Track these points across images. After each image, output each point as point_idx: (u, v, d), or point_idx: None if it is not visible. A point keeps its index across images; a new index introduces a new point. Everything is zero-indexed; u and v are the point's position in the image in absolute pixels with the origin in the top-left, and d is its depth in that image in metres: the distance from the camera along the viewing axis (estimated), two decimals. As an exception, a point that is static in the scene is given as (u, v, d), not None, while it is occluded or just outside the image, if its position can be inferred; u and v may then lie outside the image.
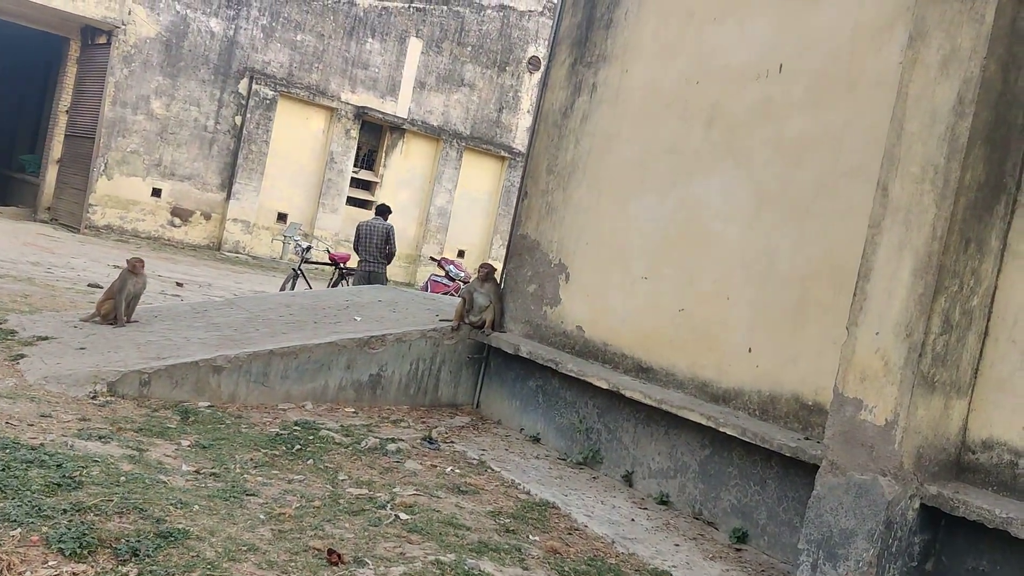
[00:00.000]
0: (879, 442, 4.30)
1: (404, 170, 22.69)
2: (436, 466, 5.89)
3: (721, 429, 5.37)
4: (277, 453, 5.52)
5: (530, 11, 23.75)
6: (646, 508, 5.78)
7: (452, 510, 5.02)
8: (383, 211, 12.62)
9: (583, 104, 7.27)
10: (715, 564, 4.95)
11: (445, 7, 22.64)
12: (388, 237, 12.01)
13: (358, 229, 12.24)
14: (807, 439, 5.05)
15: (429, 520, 4.74)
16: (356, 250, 12.17)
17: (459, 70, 23.13)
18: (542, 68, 6.78)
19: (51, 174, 19.37)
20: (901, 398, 4.25)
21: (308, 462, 5.45)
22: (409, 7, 22.16)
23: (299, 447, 5.71)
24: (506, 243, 7.98)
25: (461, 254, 22.63)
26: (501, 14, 23.50)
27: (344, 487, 5.10)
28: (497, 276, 7.84)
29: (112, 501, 4.10)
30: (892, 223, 4.43)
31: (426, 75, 22.66)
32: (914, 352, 4.24)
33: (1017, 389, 4.27)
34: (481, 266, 7.89)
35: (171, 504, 4.22)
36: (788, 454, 4.96)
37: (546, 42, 21.39)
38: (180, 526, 3.99)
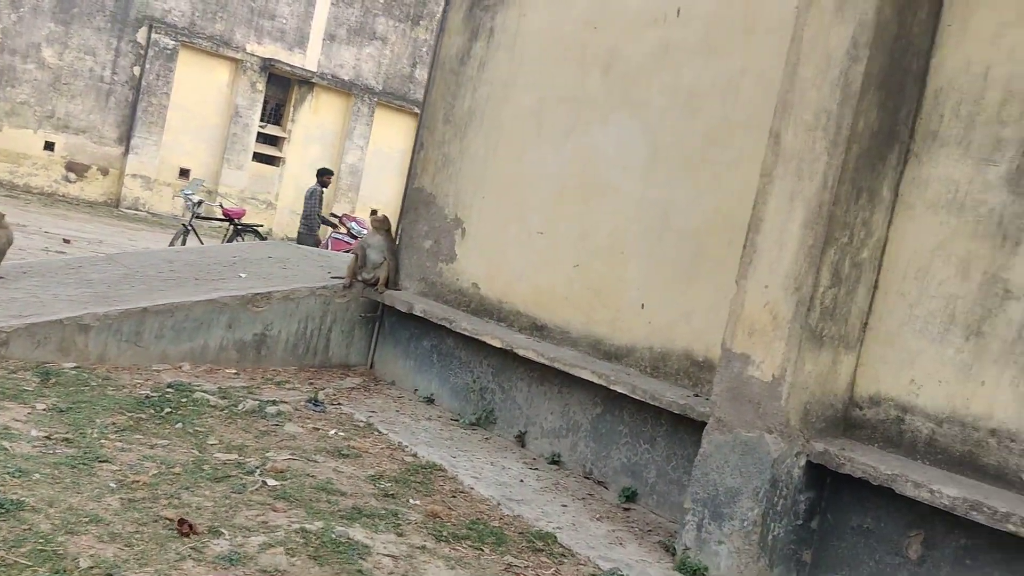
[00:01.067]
0: (766, 398, 4.16)
1: (314, 126, 21.99)
2: (319, 429, 5.59)
3: (612, 387, 5.20)
4: (143, 417, 5.14)
5: (445, -36, 23.12)
6: (537, 469, 5.59)
7: (329, 475, 4.74)
8: (317, 174, 12.99)
9: (480, 50, 6.94)
10: (601, 524, 4.79)
11: (357, -43, 21.88)
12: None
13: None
14: (697, 396, 4.91)
15: (300, 486, 4.45)
16: None
17: (371, 23, 22.44)
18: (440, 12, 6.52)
19: (-68, 124, 18.19)
20: (789, 353, 4.11)
21: (176, 426, 5.09)
22: (319, -44, 21.33)
23: (169, 410, 5.34)
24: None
25: (374, 213, 22.06)
26: (415, -34, 22.83)
27: (212, 452, 4.77)
28: (392, 230, 7.51)
29: (-62, 471, 3.71)
30: (784, 172, 4.26)
31: (336, 27, 21.92)
32: (803, 306, 4.10)
33: (906, 343, 4.18)
34: (372, 214, 7.54)
35: (8, 473, 3.85)
36: (677, 411, 4.81)
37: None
38: (15, 496, 3.63)
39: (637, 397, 5.05)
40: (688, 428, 4.87)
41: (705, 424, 4.49)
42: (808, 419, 4.20)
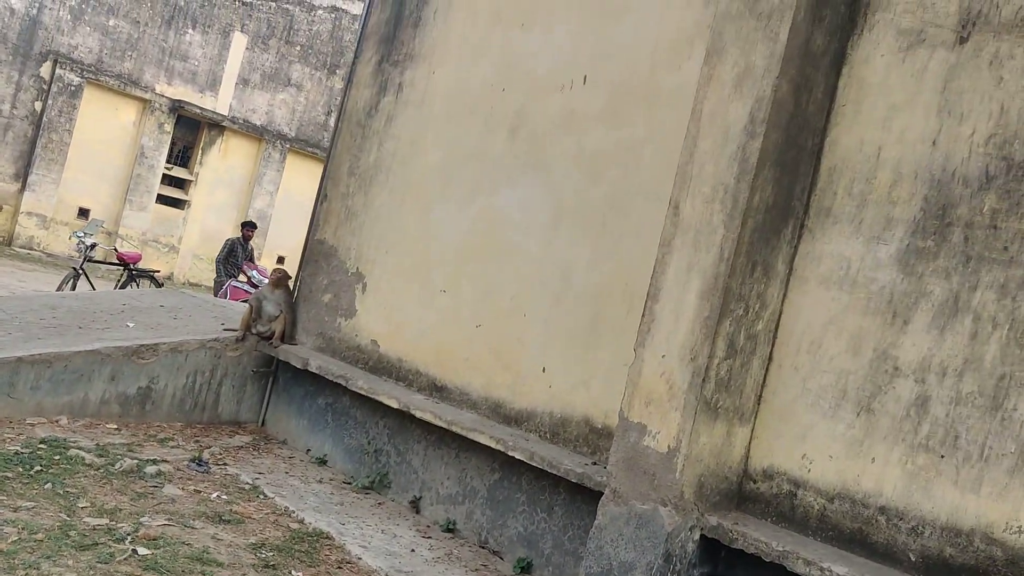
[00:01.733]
0: (661, 470, 4.11)
1: (223, 169, 21.54)
2: (200, 491, 5.30)
3: (510, 453, 5.08)
4: (10, 476, 4.79)
5: (363, 15, 23.16)
6: (430, 537, 5.41)
7: (206, 543, 4.47)
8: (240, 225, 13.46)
9: (388, 104, 6.87)
10: (494, 599, 4.64)
11: (274, 3, 21.75)
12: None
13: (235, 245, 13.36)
14: (595, 464, 4.83)
15: (174, 556, 4.19)
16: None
17: (286, 69, 22.24)
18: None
19: None
20: (684, 424, 4.08)
21: (46, 486, 4.76)
22: (235, 0, 21.12)
23: (39, 468, 5.00)
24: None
25: (281, 260, 21.64)
26: (333, 16, 22.81)
27: (82, 516, 4.46)
28: (291, 284, 7.30)
29: None
30: (682, 243, 4.27)
31: (251, 72, 21.65)
32: (698, 376, 4.08)
33: (798, 417, 4.19)
34: (274, 271, 7.33)
35: None
36: (575, 480, 4.71)
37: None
38: None
39: (535, 464, 4.94)
40: (586, 497, 4.77)
41: (602, 494, 4.40)
42: (703, 492, 4.15)
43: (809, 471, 4.10)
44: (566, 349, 5.27)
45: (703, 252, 4.16)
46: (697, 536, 4.12)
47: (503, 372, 5.61)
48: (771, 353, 4.34)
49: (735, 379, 4.21)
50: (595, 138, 5.37)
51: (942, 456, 3.70)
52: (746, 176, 4.09)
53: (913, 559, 3.72)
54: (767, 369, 4.33)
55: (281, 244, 22.06)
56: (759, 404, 4.34)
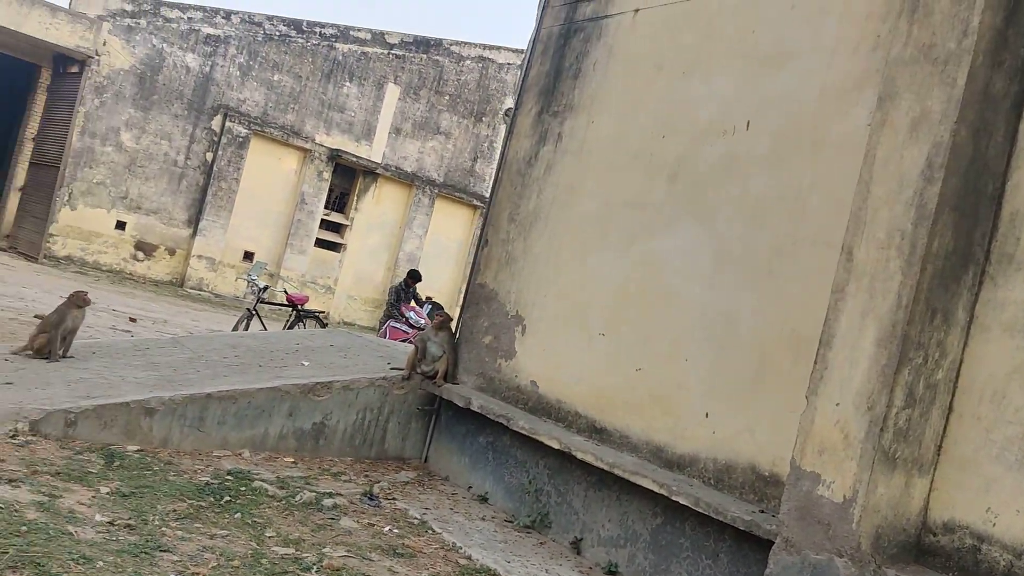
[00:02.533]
0: (836, 520, 4.05)
1: (375, 214, 22.50)
2: (374, 525, 5.56)
3: (674, 498, 5.10)
4: (203, 505, 5.17)
5: (509, 63, 23.85)
6: (593, 578, 5.47)
7: (383, 575, 4.69)
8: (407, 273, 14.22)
9: (548, 153, 7.10)
10: (661, 643, 4.65)
11: (424, 55, 22.68)
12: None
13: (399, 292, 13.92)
14: (763, 512, 4.79)
15: (356, 586, 4.42)
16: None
17: (435, 118, 23.10)
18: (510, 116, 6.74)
19: (12, 202, 18.99)
20: (861, 474, 4.02)
21: (235, 516, 5.11)
22: (388, 54, 22.16)
23: (228, 499, 5.36)
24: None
25: (428, 300, 22.30)
26: (480, 65, 23.57)
27: (270, 545, 4.76)
28: (453, 326, 7.58)
29: (7, 553, 3.76)
30: (856, 289, 4.24)
31: (402, 121, 22.60)
32: (875, 426, 4.02)
33: (981, 469, 4.06)
34: (437, 314, 7.63)
35: (73, 559, 3.88)
36: (742, 527, 4.69)
37: (524, 94, 21.41)
38: (78, 585, 3.65)
39: (700, 510, 4.94)
40: (753, 545, 4.74)
41: (771, 542, 4.37)
42: (880, 544, 4.07)
43: (994, 525, 3.95)
44: (730, 395, 5.27)
45: (879, 298, 4.11)
46: (875, 589, 4.03)
47: (664, 416, 5.65)
48: (951, 403, 4.22)
49: (914, 429, 4.12)
50: (758, 184, 5.39)
51: None
52: (924, 222, 4.03)
53: (1116, 624, 3.53)
54: (947, 419, 4.22)
55: (429, 285, 22.68)
56: (939, 455, 4.22)
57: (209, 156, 20.29)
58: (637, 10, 6.58)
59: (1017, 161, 4.23)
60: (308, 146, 21.17)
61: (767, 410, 5.03)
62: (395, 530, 5.53)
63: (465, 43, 23.34)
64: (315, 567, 4.54)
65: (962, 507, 4.10)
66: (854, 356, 4.16)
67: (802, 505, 4.21)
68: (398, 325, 12.50)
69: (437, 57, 22.89)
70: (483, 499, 6.69)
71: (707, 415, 5.36)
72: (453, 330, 7.56)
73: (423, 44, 22.69)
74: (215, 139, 20.29)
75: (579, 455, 5.77)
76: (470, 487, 6.87)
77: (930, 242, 4.03)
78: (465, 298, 7.64)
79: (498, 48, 23.89)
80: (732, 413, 5.23)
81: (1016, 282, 4.12)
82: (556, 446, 5.97)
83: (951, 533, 4.12)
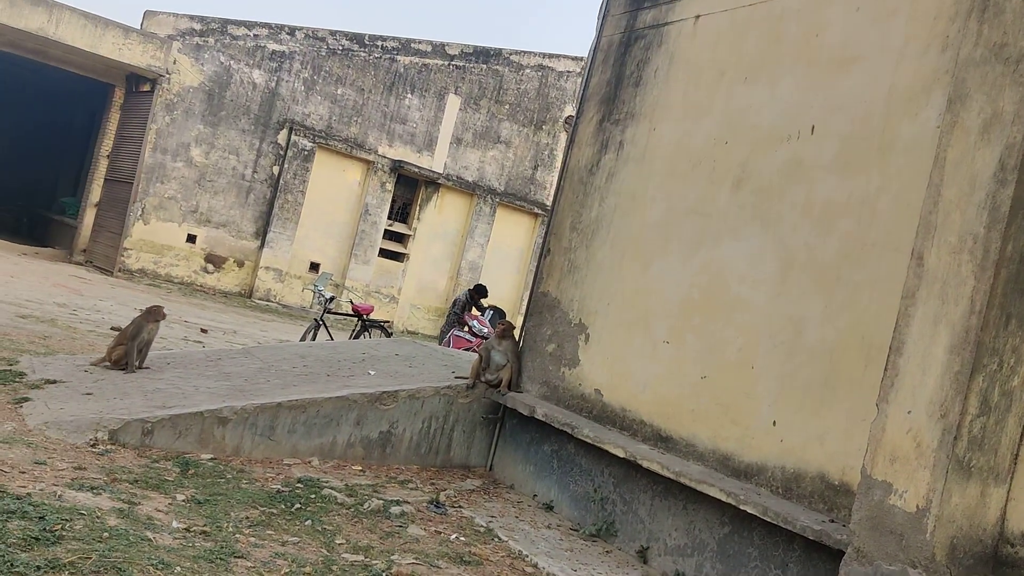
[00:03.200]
0: (909, 530, 3.97)
1: (437, 224, 22.70)
2: (441, 532, 5.62)
3: (742, 507, 5.06)
4: (275, 512, 5.29)
5: (568, 71, 23.88)
6: (660, 587, 5.45)
7: (452, 582, 4.74)
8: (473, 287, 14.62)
9: (609, 161, 7.10)
10: (730, 654, 4.61)
11: (484, 65, 22.83)
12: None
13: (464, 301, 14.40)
14: (832, 522, 4.72)
15: (425, 593, 4.47)
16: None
17: (496, 127, 23.23)
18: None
19: (89, 217, 19.62)
20: (934, 483, 3.93)
21: (306, 523, 5.22)
22: (449, 64, 22.37)
23: (299, 506, 5.48)
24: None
25: (489, 308, 22.42)
26: (539, 73, 23.64)
27: (340, 552, 4.85)
28: (516, 334, 7.62)
29: (91, 559, 3.90)
30: (927, 295, 4.16)
31: (463, 131, 22.78)
32: (949, 434, 3.94)
33: (1062, 479, 3.94)
34: (499, 323, 7.68)
35: (152, 564, 4.00)
36: (812, 537, 4.63)
37: (584, 102, 21.40)
38: (158, 589, 3.77)
39: (768, 519, 4.89)
40: (823, 555, 4.67)
41: (841, 552, 4.30)
42: (955, 555, 3.98)
43: (1078, 538, 3.83)
44: (798, 403, 5.20)
45: (951, 304, 4.03)
46: (951, 601, 3.94)
47: (731, 425, 5.60)
48: (1029, 410, 4.11)
49: (989, 437, 4.02)
50: (825, 189, 5.32)
51: None
52: (997, 225, 3.94)
53: None
54: (1024, 427, 4.11)
55: (492, 293, 22.79)
56: (1016, 463, 4.11)
57: (275, 169, 20.70)
58: (698, 16, 6.56)
59: (1095, 162, 4.10)
60: (371, 158, 21.46)
61: (837, 418, 4.96)
62: (462, 538, 5.58)
63: (525, 52, 23.43)
64: (384, 574, 4.61)
65: (1042, 518, 3.99)
66: (926, 363, 4.08)
67: (874, 515, 4.14)
68: (461, 334, 12.60)
69: (497, 67, 23.03)
70: (548, 507, 6.71)
71: (775, 423, 5.30)
72: (516, 338, 7.60)
73: (483, 54, 22.85)
74: (281, 153, 20.70)
75: (645, 464, 5.76)
76: (535, 495, 6.89)
77: (1004, 246, 3.93)
78: (528, 307, 7.68)
79: (557, 56, 23.94)
80: (801, 421, 5.17)
81: (1096, 286, 4.00)
82: (621, 455, 5.96)
83: (1031, 544, 4.01)
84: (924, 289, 4.17)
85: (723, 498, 5.19)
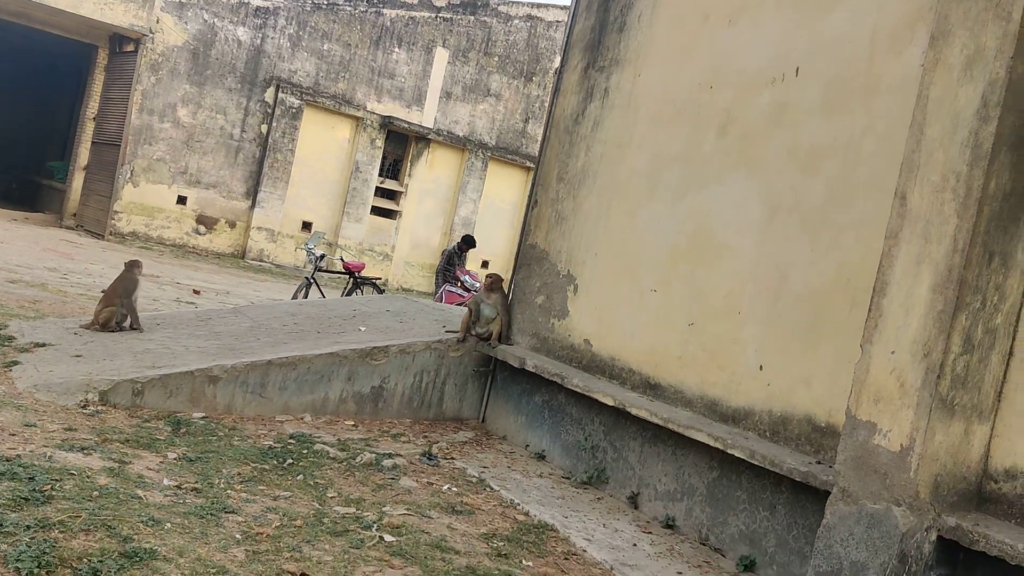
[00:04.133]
0: (893, 469, 4.00)
1: (429, 180, 22.58)
2: (433, 484, 5.66)
3: (729, 451, 5.09)
4: (266, 468, 5.32)
5: (557, 21, 23.58)
6: (650, 532, 5.50)
7: (443, 532, 4.78)
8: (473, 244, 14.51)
9: (595, 110, 7.03)
10: (719, 595, 4.67)
11: (472, 17, 22.54)
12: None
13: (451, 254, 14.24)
14: (819, 463, 4.76)
15: (416, 543, 4.51)
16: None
17: (485, 80, 23.00)
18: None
19: (77, 181, 19.47)
20: (918, 422, 3.96)
21: (298, 477, 5.25)
22: (436, 17, 22.08)
23: (291, 462, 5.51)
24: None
25: (486, 264, 22.43)
26: (528, 24, 23.35)
27: (331, 505, 4.89)
28: (505, 286, 7.61)
29: (80, 517, 3.92)
30: (910, 234, 4.14)
31: (452, 85, 22.56)
32: (932, 373, 3.95)
33: (1044, 415, 3.96)
34: (487, 276, 7.67)
35: (142, 521, 4.03)
36: (799, 479, 4.67)
37: (573, 52, 21.16)
38: (148, 545, 3.80)
39: (756, 462, 4.93)
40: (810, 496, 4.72)
41: (828, 493, 4.34)
42: (939, 492, 4.01)
43: (1060, 472, 3.87)
44: (784, 347, 5.21)
45: (934, 243, 4.02)
46: (934, 537, 3.99)
47: (718, 371, 5.62)
48: (1011, 347, 4.12)
49: (972, 375, 4.04)
50: (810, 131, 5.28)
51: None
52: (980, 162, 3.91)
53: None
54: (1007, 364, 4.12)
55: (485, 249, 22.78)
56: (999, 401, 4.13)
57: (264, 128, 20.52)
58: (681, -41, 6.45)
59: (1079, 95, 4.07)
60: (360, 114, 21.28)
61: (823, 361, 4.98)
62: (454, 488, 5.63)
63: (513, 2, 23.12)
64: (375, 525, 4.65)
65: (1025, 453, 4.01)
66: (909, 303, 4.07)
67: (858, 455, 4.16)
68: (454, 289, 12.60)
69: (485, 18, 22.73)
70: (540, 457, 6.76)
71: (761, 368, 5.31)
72: (505, 291, 7.59)
73: (470, 6, 22.55)
74: (269, 111, 20.51)
75: (634, 411, 5.79)
76: (527, 445, 6.94)
77: (986, 183, 3.91)
78: (516, 259, 7.67)
79: (546, 6, 23.63)
80: (787, 365, 5.18)
81: (1079, 221, 3.98)
82: (611, 403, 5.99)
83: (1013, 480, 4.04)
84: (907, 229, 4.15)
85: (711, 443, 5.22)
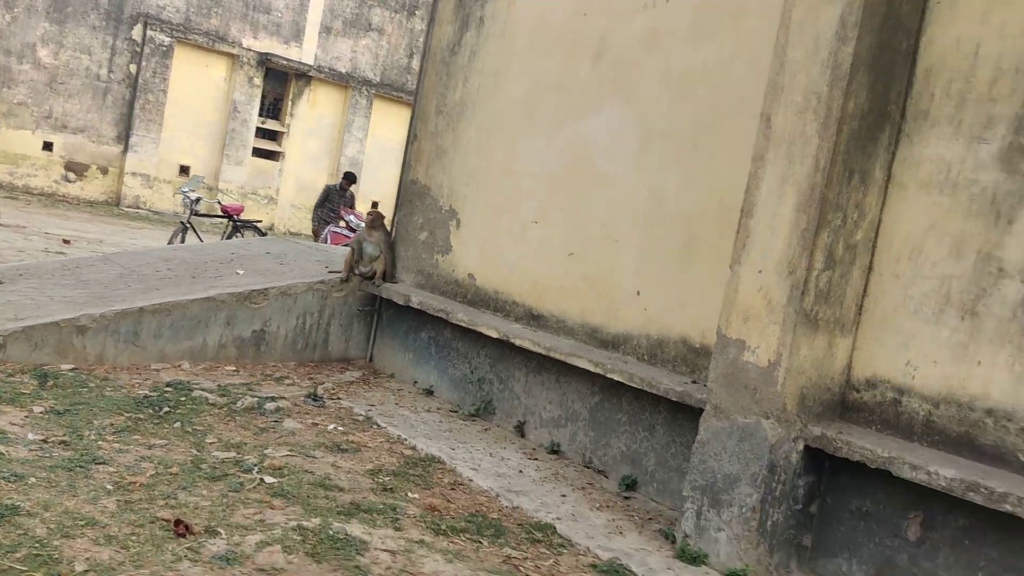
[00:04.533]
0: (762, 384, 4.14)
1: (312, 119, 21.96)
2: (318, 424, 5.58)
3: (609, 375, 5.18)
4: (141, 417, 5.14)
5: (439, -48, 23.00)
6: (536, 459, 5.59)
7: (327, 471, 4.74)
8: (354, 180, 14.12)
9: (471, 39, 6.91)
10: (601, 514, 4.79)
11: (350, -52, 21.80)
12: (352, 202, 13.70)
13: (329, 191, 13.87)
14: (694, 383, 4.89)
15: (298, 483, 4.45)
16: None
17: (367, 14, 22.37)
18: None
19: (-70, 128, 18.20)
20: (784, 337, 4.09)
21: (175, 425, 5.09)
22: (312, -52, 21.26)
23: (167, 410, 5.34)
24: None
25: (375, 204, 22.07)
26: (409, -45, 22.75)
27: (210, 451, 4.77)
28: (388, 224, 7.50)
29: (-66, 477, 3.71)
30: (775, 156, 4.23)
31: (332, 19, 21.86)
32: (797, 290, 4.08)
33: (901, 325, 4.15)
34: (369, 213, 7.54)
35: (3, 478, 3.85)
36: (675, 399, 4.80)
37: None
38: (9, 502, 3.63)
39: (634, 385, 5.03)
40: (687, 415, 4.86)
41: (703, 411, 4.47)
42: (805, 403, 4.18)
43: (913, 378, 4.07)
44: (660, 272, 5.30)
45: (797, 164, 4.11)
46: (801, 447, 4.16)
47: (597, 298, 5.68)
48: (871, 262, 4.29)
49: (835, 290, 4.19)
50: (681, 57, 5.31)
51: (1053, 356, 3.63)
52: (839, 83, 4.01)
53: (1023, 459, 3.69)
54: (867, 279, 4.29)
55: (374, 189, 22.45)
56: (860, 314, 4.31)
57: (133, 68, 19.53)
58: None
59: (930, 16, 4.19)
60: (235, 51, 20.44)
61: (697, 284, 5.08)
62: (339, 428, 5.57)
63: (392, -67, 22.46)
64: (256, 468, 4.56)
65: (883, 363, 4.21)
66: (775, 223, 4.18)
67: (729, 372, 4.29)
68: (339, 230, 12.36)
69: (363, -50, 22.02)
70: (428, 392, 6.76)
71: (639, 293, 5.40)
72: (388, 228, 7.48)
73: (347, -63, 21.79)
74: (137, 50, 19.50)
75: (517, 342, 5.82)
76: (415, 382, 6.92)
77: (845, 103, 4.01)
78: (398, 196, 7.54)
79: (426, -63, 23.04)
80: (663, 290, 5.28)
81: (931, 139, 4.14)
82: (495, 335, 6.00)
83: (873, 389, 4.24)
84: (772, 150, 4.24)
85: (592, 369, 5.30)
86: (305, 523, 3.94)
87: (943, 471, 3.67)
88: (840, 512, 4.23)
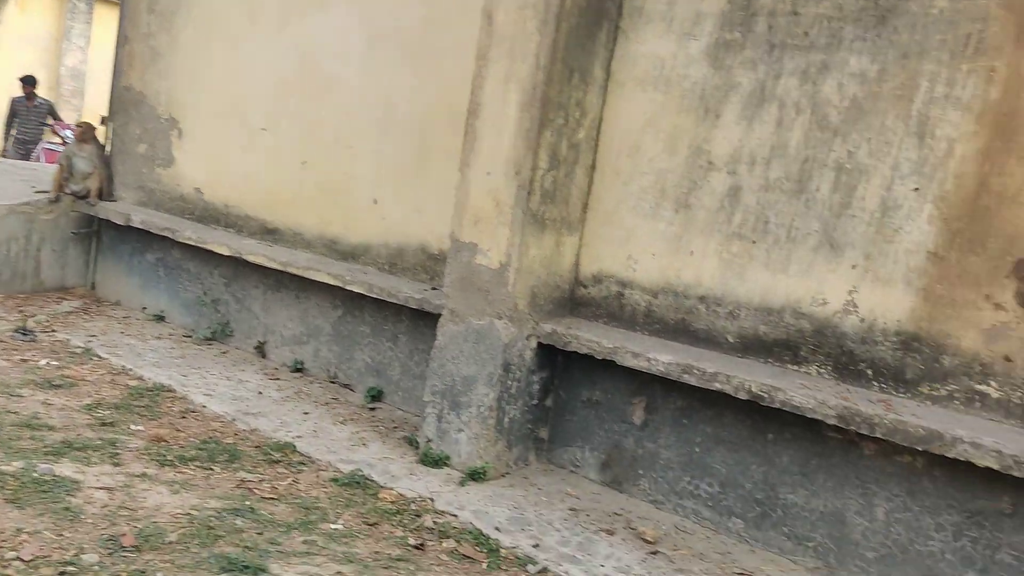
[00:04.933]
0: (494, 285, 4.15)
1: (24, 27, 19.53)
2: (27, 360, 5.05)
3: (349, 287, 5.03)
4: None
5: None
6: (278, 378, 5.37)
7: (36, 409, 4.29)
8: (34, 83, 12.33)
9: (181, -69, 6.28)
10: (345, 428, 4.68)
11: None
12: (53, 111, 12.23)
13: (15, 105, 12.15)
14: (434, 289, 4.85)
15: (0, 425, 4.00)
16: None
17: (77, -95, 20.01)
18: None
19: None
20: (513, 238, 4.10)
21: None
22: None
23: None
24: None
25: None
26: None
27: None
28: (101, 136, 6.81)
29: None
30: (498, 54, 4.16)
31: (35, -90, 19.38)
32: (523, 190, 4.08)
33: (623, 221, 4.28)
34: (78, 124, 6.81)
35: None
36: (415, 306, 4.74)
37: None
38: None
39: (376, 295, 4.91)
40: (428, 322, 4.81)
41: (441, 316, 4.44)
42: (536, 302, 4.24)
43: (635, 271, 4.23)
44: (396, 179, 5.16)
45: (519, 62, 4.07)
46: (534, 344, 4.24)
47: (334, 209, 5.47)
48: (595, 161, 4.37)
49: (560, 190, 4.23)
50: (405, -48, 5.08)
51: (754, 242, 3.88)
52: (556, -22, 3.96)
53: (731, 340, 3.95)
54: (591, 177, 4.37)
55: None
56: (586, 212, 4.40)
57: None
58: None
59: (643, -88, 4.23)
60: (-82, -55, 17.69)
61: (433, 189, 4.99)
62: (53, 362, 5.07)
63: None
64: (-54, 414, 4.05)
65: (608, 258, 4.34)
66: (500, 123, 4.13)
67: (463, 276, 4.26)
68: (52, 146, 11.17)
69: None
70: (159, 318, 6.30)
71: (376, 201, 5.24)
72: (101, 141, 6.79)
73: None
74: None
75: (251, 259, 5.51)
76: (144, 308, 6.43)
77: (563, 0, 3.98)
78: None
79: None
80: (400, 197, 5.15)
81: (646, 35, 4.22)
82: (227, 252, 5.65)
83: (599, 283, 4.37)
84: (495, 49, 4.16)
85: (332, 282, 5.12)
86: (4, 468, 3.54)
87: (661, 356, 3.85)
88: (573, 404, 4.38)
